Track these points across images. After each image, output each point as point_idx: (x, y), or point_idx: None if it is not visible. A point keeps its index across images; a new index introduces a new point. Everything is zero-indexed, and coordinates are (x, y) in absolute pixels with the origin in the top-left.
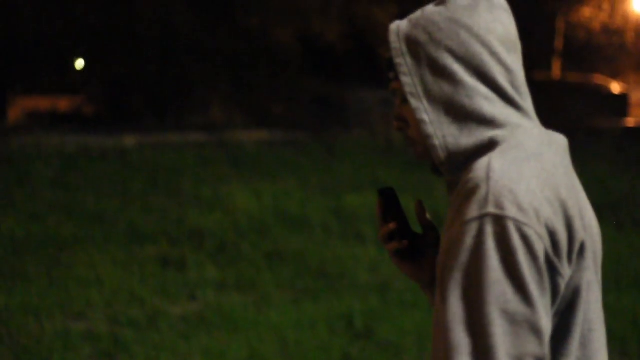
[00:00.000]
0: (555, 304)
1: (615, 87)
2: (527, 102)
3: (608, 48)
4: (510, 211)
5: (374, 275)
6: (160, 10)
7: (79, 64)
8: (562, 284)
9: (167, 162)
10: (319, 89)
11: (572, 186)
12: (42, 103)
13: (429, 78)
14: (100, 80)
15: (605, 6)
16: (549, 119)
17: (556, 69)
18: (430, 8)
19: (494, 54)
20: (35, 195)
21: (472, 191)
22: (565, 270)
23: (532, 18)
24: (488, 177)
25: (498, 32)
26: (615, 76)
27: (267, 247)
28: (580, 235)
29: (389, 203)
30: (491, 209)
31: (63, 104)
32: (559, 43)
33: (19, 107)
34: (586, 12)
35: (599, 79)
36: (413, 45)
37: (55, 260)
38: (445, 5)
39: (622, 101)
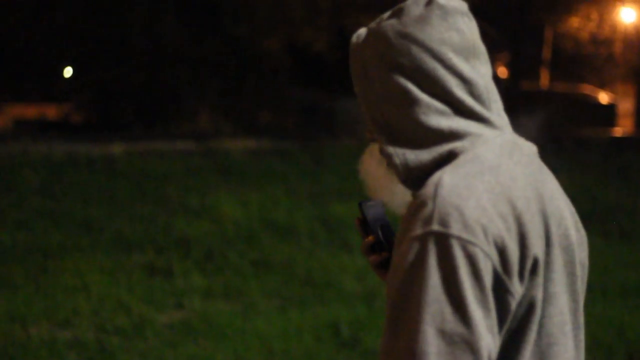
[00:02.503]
0: (505, 322)
1: (603, 97)
2: (491, 109)
3: (596, 58)
4: (455, 229)
5: (360, 284)
6: (148, 18)
7: (67, 72)
8: (513, 302)
9: (155, 170)
10: (307, 98)
11: (536, 196)
12: (29, 111)
13: (384, 97)
14: (88, 89)
15: (594, 16)
16: (537, 128)
17: (544, 79)
18: (385, 21)
19: (448, 67)
20: (22, 202)
21: (419, 208)
22: (516, 288)
23: (521, 28)
24: (435, 194)
25: (453, 41)
26: (603, 86)
27: (253, 256)
28: (533, 250)
29: (370, 215)
30: (435, 227)
31: (51, 112)
32: (547, 53)
33: (7, 115)
34: (574, 22)
35: (586, 89)
36: (368, 65)
37: (41, 268)
38: (399, 18)
39: (609, 111)
